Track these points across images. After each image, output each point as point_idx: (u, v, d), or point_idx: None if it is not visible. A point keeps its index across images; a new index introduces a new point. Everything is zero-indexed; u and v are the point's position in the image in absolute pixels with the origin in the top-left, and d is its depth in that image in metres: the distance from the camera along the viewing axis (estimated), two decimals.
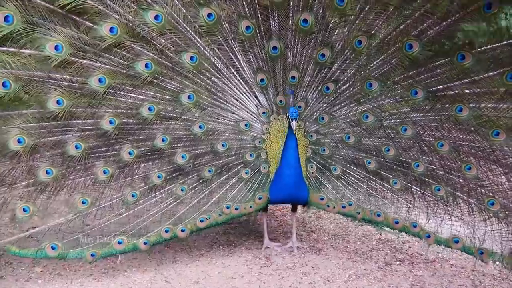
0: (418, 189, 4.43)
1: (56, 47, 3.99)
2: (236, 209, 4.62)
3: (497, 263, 4.43)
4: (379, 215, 4.60)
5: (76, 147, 4.27)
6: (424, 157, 4.34)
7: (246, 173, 4.70)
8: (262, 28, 4.40)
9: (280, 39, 4.40)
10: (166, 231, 4.47)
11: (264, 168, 4.73)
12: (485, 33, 3.82)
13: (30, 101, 4.18)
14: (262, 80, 4.57)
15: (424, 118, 4.26)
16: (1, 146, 4.11)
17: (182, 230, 4.51)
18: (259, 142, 4.72)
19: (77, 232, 4.36)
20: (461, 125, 4.13)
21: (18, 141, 4.09)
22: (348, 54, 4.36)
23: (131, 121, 4.40)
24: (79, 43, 4.08)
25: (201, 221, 4.57)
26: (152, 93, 4.40)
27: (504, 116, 3.90)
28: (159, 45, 4.24)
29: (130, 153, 4.42)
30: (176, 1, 4.19)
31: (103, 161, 4.41)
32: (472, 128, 4.07)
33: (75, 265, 4.50)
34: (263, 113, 4.69)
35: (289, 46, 4.45)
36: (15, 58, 4.00)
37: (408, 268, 4.45)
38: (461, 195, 4.26)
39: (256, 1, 4.30)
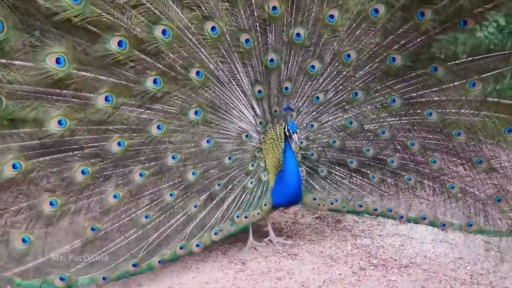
0: (392, 180, 4.98)
1: (57, 60, 3.62)
2: (246, 217, 4.69)
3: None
4: (360, 206, 5.05)
5: (83, 172, 4.02)
6: (397, 154, 4.87)
7: (251, 182, 4.78)
8: (260, 41, 4.52)
9: (277, 51, 4.56)
10: (181, 248, 4.39)
11: (265, 176, 4.85)
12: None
13: (27, 120, 3.78)
14: (259, 91, 4.68)
15: (399, 122, 4.77)
16: None
17: (197, 245, 4.47)
18: (258, 151, 4.84)
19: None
20: (429, 127, 4.71)
21: (14, 166, 3.75)
22: (336, 65, 4.68)
23: (140, 137, 4.22)
24: (83, 56, 3.76)
25: (215, 233, 4.56)
26: (160, 110, 4.28)
27: (464, 119, 4.57)
28: (167, 59, 4.13)
29: (141, 175, 4.24)
30: (182, 16, 4.14)
31: (112, 185, 4.16)
32: (438, 129, 4.68)
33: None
34: (260, 123, 4.81)
35: (284, 58, 4.63)
36: (6, 71, 3.51)
37: (382, 273, 4.46)
38: (427, 182, 4.89)
39: (255, 14, 4.42)
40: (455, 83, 4.48)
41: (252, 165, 4.80)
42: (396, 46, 4.48)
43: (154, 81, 4.12)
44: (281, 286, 4.22)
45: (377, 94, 4.74)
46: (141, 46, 4.02)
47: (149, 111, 4.26)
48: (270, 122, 4.85)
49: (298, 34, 4.51)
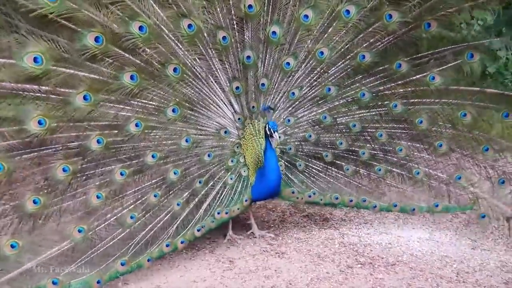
0: (365, 171, 5.22)
1: (35, 59, 3.57)
2: (226, 213, 4.76)
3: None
4: (337, 198, 5.21)
5: (64, 170, 3.95)
6: (368, 145, 5.10)
7: (231, 178, 4.84)
8: (237, 39, 4.63)
9: (253, 49, 4.68)
10: (167, 245, 4.38)
11: (244, 171, 4.92)
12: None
13: (5, 119, 3.71)
14: (237, 87, 4.77)
15: (368, 114, 5.04)
16: None
17: (182, 242, 4.48)
18: (237, 147, 4.90)
19: (74, 261, 3.95)
20: (395, 117, 5.01)
21: None
22: (310, 62, 4.87)
23: (119, 135, 4.17)
24: (60, 53, 3.72)
25: (198, 230, 4.59)
26: (138, 106, 4.27)
27: (425, 108, 4.95)
28: (144, 56, 4.14)
29: (122, 174, 4.22)
30: (159, 12, 4.16)
31: (94, 184, 4.14)
32: (403, 119, 5.01)
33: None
34: (239, 119, 4.89)
35: (260, 55, 4.76)
36: None
37: (369, 271, 4.43)
38: (396, 170, 5.16)
39: (232, 12, 4.55)
40: (417, 76, 4.84)
41: (231, 161, 4.86)
42: (365, 44, 4.77)
43: (131, 77, 4.11)
44: (268, 284, 4.19)
45: (348, 89, 4.97)
46: (118, 42, 4.01)
47: (128, 107, 4.24)
48: (249, 118, 4.94)
49: (274, 32, 4.67)
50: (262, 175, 4.85)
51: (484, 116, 4.83)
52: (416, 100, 4.95)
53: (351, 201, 5.23)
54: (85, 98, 3.92)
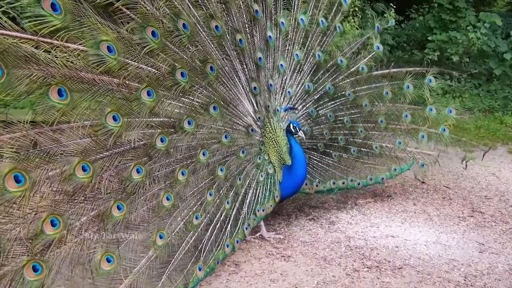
0: (346, 155, 5.93)
1: (109, 49, 3.42)
2: (263, 210, 4.88)
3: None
4: (334, 183, 5.80)
5: (138, 171, 3.73)
6: (341, 132, 5.88)
7: (261, 176, 4.91)
8: (250, 41, 4.92)
9: (262, 51, 5.00)
10: (227, 246, 4.41)
11: (270, 169, 5.02)
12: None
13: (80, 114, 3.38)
14: (255, 88, 4.94)
15: (335, 103, 5.83)
16: (67, 178, 3.26)
17: (237, 242, 4.56)
18: (261, 145, 5.01)
19: (161, 272, 3.81)
20: (351, 104, 5.93)
21: (83, 169, 3.33)
22: (292, 62, 5.43)
23: (175, 133, 4.08)
24: (127, 45, 3.62)
25: (246, 228, 4.71)
26: (187, 104, 4.23)
27: (366, 93, 6.01)
28: (188, 53, 4.16)
29: (183, 173, 4.11)
30: (195, 13, 4.28)
31: (161, 186, 3.96)
32: (355, 105, 5.95)
33: None
34: (259, 118, 5.02)
35: (266, 57, 5.10)
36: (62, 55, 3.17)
37: (375, 274, 4.38)
38: (364, 149, 6.04)
39: (244, 16, 4.88)
40: (354, 68, 5.97)
41: (259, 158, 4.97)
42: (317, 46, 5.66)
43: (182, 74, 4.08)
44: None
45: (318, 84, 5.69)
46: (169, 38, 4.01)
47: (181, 104, 4.17)
48: (266, 117, 5.07)
49: (270, 37, 5.10)
50: (291, 172, 4.99)
51: (397, 90, 6.15)
52: (358, 88, 5.99)
53: (343, 183, 5.88)
54: (148, 93, 3.78)
